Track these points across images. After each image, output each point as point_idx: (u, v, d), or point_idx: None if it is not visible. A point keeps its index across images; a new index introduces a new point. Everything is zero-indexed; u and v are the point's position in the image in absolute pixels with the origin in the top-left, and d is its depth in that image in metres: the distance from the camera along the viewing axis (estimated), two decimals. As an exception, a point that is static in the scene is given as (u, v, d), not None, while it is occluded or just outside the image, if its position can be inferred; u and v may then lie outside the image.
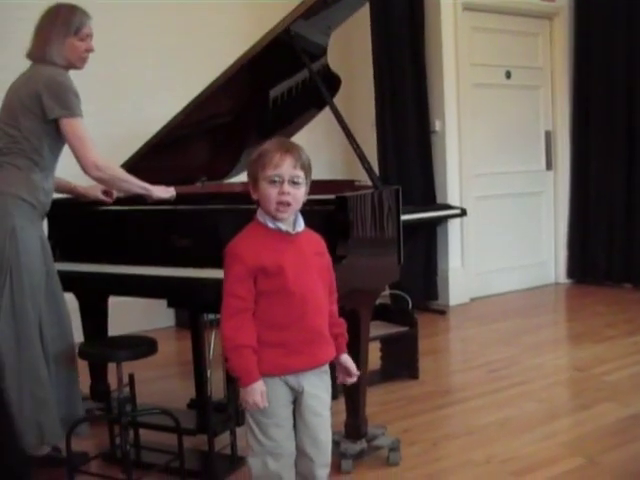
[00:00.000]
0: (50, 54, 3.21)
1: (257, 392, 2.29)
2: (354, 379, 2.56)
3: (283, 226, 2.35)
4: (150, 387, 4.27)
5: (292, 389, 2.38)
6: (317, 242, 2.48)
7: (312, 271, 2.38)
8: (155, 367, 4.42)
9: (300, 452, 2.42)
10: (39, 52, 3.23)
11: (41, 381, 3.13)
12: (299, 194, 2.34)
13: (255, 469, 2.40)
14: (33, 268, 3.13)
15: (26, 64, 3.30)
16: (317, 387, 2.42)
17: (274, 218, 2.34)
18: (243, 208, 2.65)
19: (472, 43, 6.89)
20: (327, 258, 2.50)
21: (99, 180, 3.26)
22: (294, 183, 2.32)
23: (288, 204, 2.31)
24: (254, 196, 2.38)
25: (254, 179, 2.36)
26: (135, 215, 3.66)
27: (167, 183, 3.43)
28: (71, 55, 3.25)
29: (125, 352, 3.17)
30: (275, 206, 2.31)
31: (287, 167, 2.30)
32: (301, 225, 2.40)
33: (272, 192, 2.30)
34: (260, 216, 2.38)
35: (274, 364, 2.33)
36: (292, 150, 2.34)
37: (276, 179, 2.30)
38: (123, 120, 5.80)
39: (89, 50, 3.30)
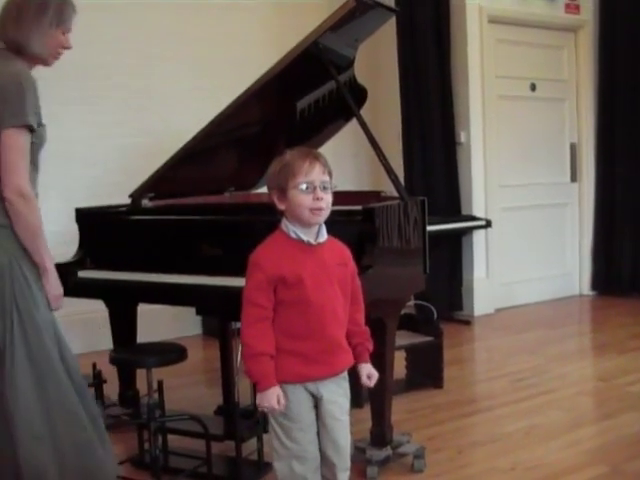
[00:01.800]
0: (31, 44, 2.62)
1: (274, 396, 2.33)
2: (372, 384, 2.57)
3: (305, 236, 2.37)
4: (178, 393, 4.31)
5: (312, 395, 2.42)
6: (340, 252, 2.49)
7: (332, 282, 2.40)
8: (183, 374, 4.47)
9: (323, 456, 2.46)
10: (17, 40, 2.61)
11: (80, 422, 2.62)
12: (330, 199, 2.38)
13: (281, 473, 2.44)
14: (39, 299, 2.59)
15: None
16: (335, 393, 2.46)
17: (308, 224, 2.36)
18: (270, 218, 2.69)
19: (497, 55, 6.92)
20: (351, 268, 2.52)
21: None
22: (324, 188, 2.35)
23: (321, 209, 2.34)
24: (280, 207, 2.39)
25: (281, 189, 2.37)
26: (165, 224, 3.71)
27: (196, 193, 3.41)
28: (50, 48, 2.68)
29: (155, 358, 3.23)
30: (309, 212, 2.33)
31: (317, 173, 2.34)
32: (324, 235, 2.42)
33: (305, 199, 2.32)
34: (284, 226, 2.41)
35: (293, 372, 2.37)
36: (318, 157, 2.38)
37: (308, 186, 2.33)
38: (152, 130, 5.86)
39: (66, 47, 2.73)
